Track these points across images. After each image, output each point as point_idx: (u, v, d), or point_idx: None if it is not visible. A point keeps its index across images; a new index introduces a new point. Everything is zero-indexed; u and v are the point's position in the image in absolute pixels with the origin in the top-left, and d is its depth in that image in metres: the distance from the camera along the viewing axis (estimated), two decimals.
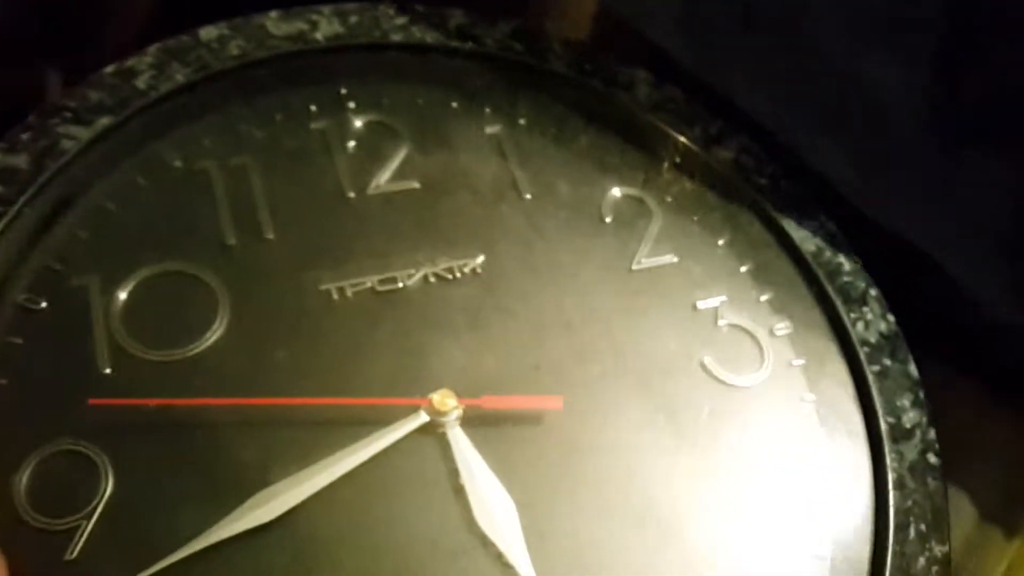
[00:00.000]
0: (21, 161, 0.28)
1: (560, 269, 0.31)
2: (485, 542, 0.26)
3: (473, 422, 0.27)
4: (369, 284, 0.29)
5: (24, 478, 0.24)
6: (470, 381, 0.28)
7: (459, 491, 0.26)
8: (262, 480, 0.25)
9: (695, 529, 0.27)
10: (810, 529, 0.28)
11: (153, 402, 0.26)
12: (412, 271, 0.30)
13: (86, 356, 0.26)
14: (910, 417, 0.31)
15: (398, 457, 0.26)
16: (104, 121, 0.29)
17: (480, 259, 0.31)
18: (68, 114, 0.29)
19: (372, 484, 0.26)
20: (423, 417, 0.27)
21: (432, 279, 0.30)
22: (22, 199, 0.27)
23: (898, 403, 0.31)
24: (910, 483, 0.29)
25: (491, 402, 0.28)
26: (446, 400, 0.27)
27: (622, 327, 0.31)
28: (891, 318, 0.32)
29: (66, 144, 0.29)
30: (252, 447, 0.26)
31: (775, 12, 0.32)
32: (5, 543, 0.23)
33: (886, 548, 0.28)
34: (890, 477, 0.29)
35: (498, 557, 0.26)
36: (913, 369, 0.32)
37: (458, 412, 0.27)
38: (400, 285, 0.29)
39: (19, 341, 0.26)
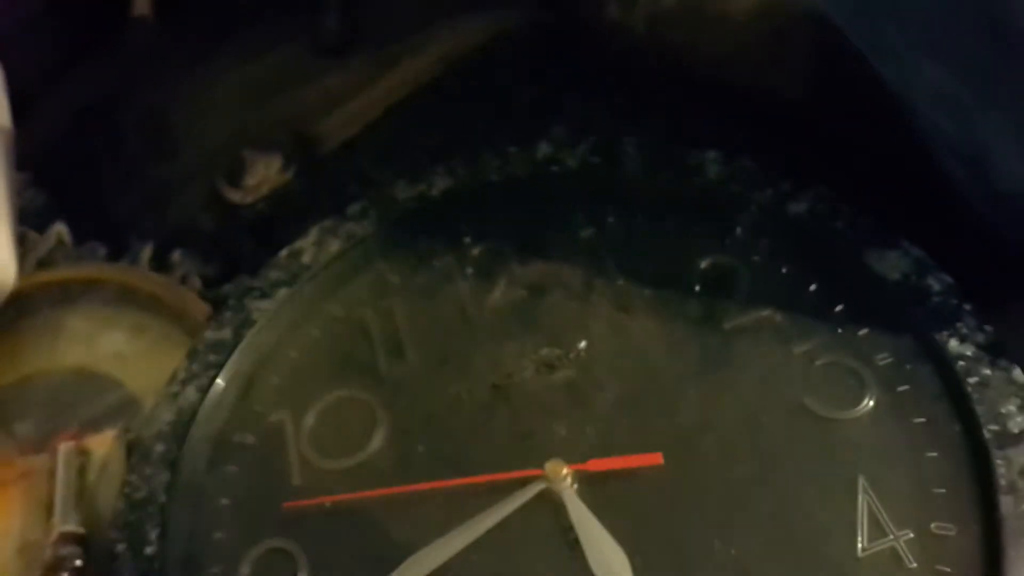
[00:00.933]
0: (226, 334, 0.38)
1: (652, 341, 0.36)
2: None
3: (583, 484, 0.32)
4: (489, 382, 0.36)
5: (246, 570, 0.33)
6: (577, 450, 0.33)
7: (574, 546, 0.31)
8: (412, 545, 0.31)
9: (813, 545, 0.30)
10: (925, 546, 0.30)
11: (330, 499, 0.33)
12: (524, 364, 0.36)
13: (283, 472, 0.35)
14: (1017, 422, 0.31)
15: (521, 520, 0.32)
16: (283, 292, 0.39)
17: (581, 345, 0.36)
18: (257, 292, 0.39)
19: (501, 544, 0.32)
20: (540, 484, 0.32)
21: (540, 369, 0.36)
22: (228, 363, 0.37)
23: (1002, 410, 0.32)
24: (1021, 485, 0.30)
25: (596, 464, 0.33)
26: (558, 468, 0.32)
27: (717, 381, 0.35)
28: (988, 328, 0.33)
29: (256, 316, 0.38)
30: (405, 523, 0.33)
31: None
32: None
33: (999, 548, 0.29)
34: (1000, 483, 0.30)
35: None
36: (1018, 375, 0.32)
37: (569, 477, 0.32)
38: (514, 378, 0.35)
39: (235, 469, 0.35)
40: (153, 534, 0.33)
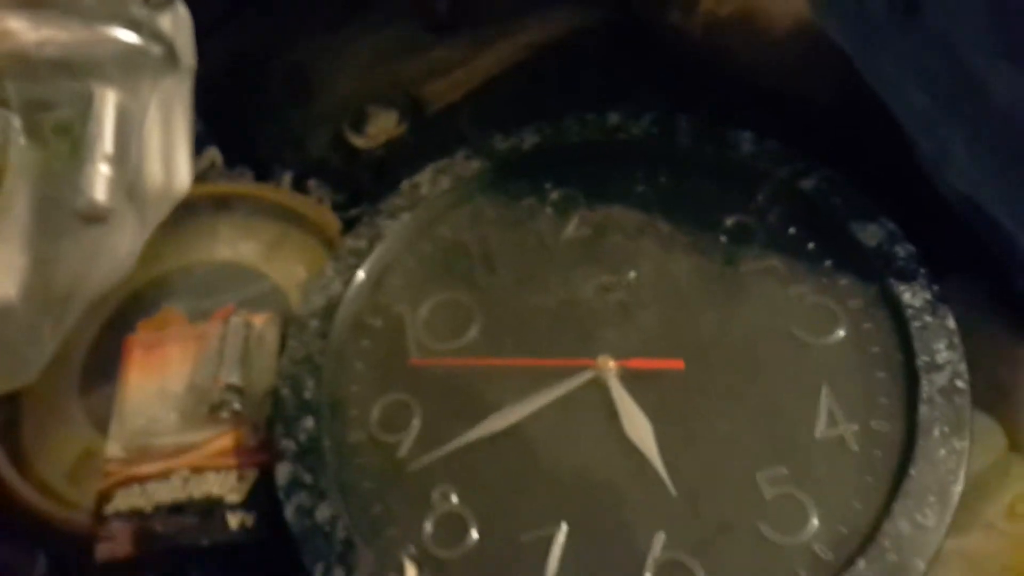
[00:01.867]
0: (362, 243, 0.49)
1: (685, 276, 0.47)
2: (632, 448, 0.41)
3: (624, 377, 0.44)
4: (560, 297, 0.47)
5: (375, 413, 0.45)
6: (622, 350, 0.44)
7: (612, 415, 0.42)
8: (496, 405, 0.43)
9: (785, 429, 0.41)
10: (865, 436, 0.41)
11: (441, 362, 0.45)
12: (587, 286, 0.47)
13: (403, 349, 0.47)
14: (943, 356, 0.41)
15: (576, 396, 0.43)
16: (405, 215, 0.50)
17: (631, 275, 0.47)
18: (385, 213, 0.50)
19: (560, 412, 0.43)
20: (592, 372, 0.44)
21: (599, 290, 0.47)
22: (364, 264, 0.48)
23: (934, 347, 0.42)
24: (938, 400, 0.40)
25: (635, 363, 0.44)
26: (606, 361, 0.44)
27: (731, 312, 0.45)
28: (935, 287, 0.43)
29: (385, 231, 0.50)
30: (491, 390, 0.44)
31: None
32: (364, 451, 0.43)
33: (914, 441, 0.40)
34: (923, 396, 0.41)
35: (640, 458, 0.41)
36: (951, 323, 0.42)
37: (614, 368, 0.44)
38: (579, 296, 0.47)
39: (368, 343, 0.47)
40: (310, 383, 0.44)
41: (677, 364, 0.44)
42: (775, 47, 0.54)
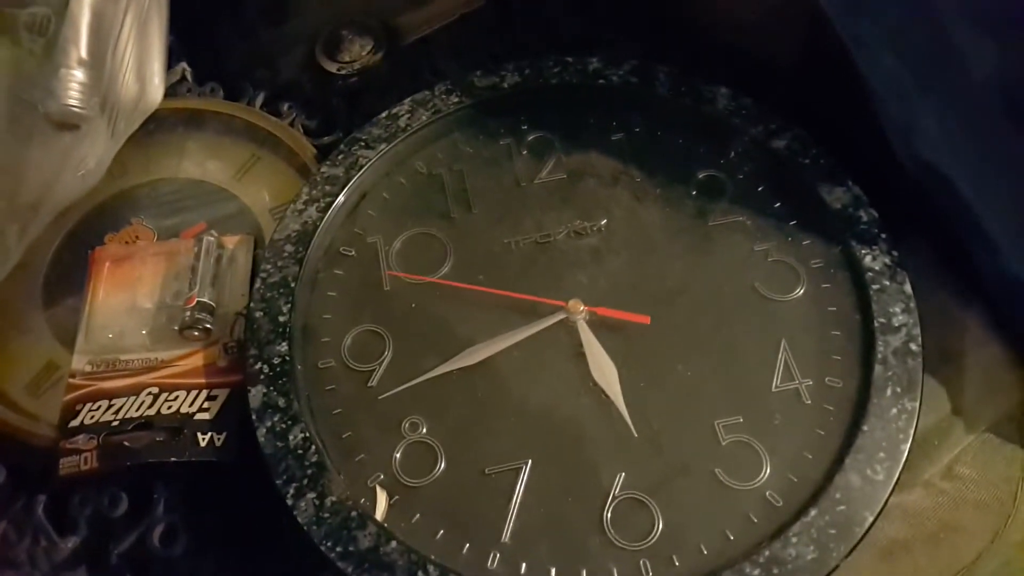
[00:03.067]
0: (339, 171, 0.49)
1: (656, 226, 0.48)
2: (596, 389, 0.43)
3: (592, 322, 0.45)
4: (533, 238, 0.47)
5: (347, 342, 0.45)
6: (592, 295, 0.45)
7: (580, 357, 0.44)
8: (468, 340, 0.44)
9: (743, 380, 0.43)
10: (819, 391, 0.43)
11: (421, 278, 0.46)
12: (560, 230, 0.48)
13: (376, 281, 0.47)
14: (899, 319, 0.43)
15: (545, 336, 0.44)
16: (383, 146, 0.50)
17: (603, 221, 0.48)
18: (362, 143, 0.50)
19: (530, 350, 0.44)
20: (562, 314, 0.45)
21: (572, 234, 0.47)
22: (341, 193, 0.48)
23: (891, 309, 0.44)
24: (892, 360, 0.42)
25: (603, 311, 0.45)
26: (577, 305, 0.45)
27: (698, 264, 0.46)
28: (895, 253, 0.45)
29: (362, 161, 0.49)
30: (465, 324, 0.45)
31: None
32: (336, 378, 0.44)
33: (868, 398, 0.42)
34: (877, 356, 0.43)
35: (605, 400, 0.43)
36: (907, 288, 0.44)
37: (584, 313, 0.45)
38: (552, 238, 0.47)
39: (341, 272, 0.47)
40: (285, 308, 0.45)
41: (643, 319, 0.45)
42: (745, 6, 0.54)
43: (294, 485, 0.40)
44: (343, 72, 0.58)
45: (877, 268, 0.45)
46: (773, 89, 0.51)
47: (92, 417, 0.43)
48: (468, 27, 0.60)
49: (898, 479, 0.40)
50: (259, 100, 0.57)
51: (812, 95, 0.52)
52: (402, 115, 0.51)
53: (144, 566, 0.44)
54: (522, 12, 0.61)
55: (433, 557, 0.39)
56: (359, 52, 0.58)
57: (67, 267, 0.50)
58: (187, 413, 0.43)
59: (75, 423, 0.43)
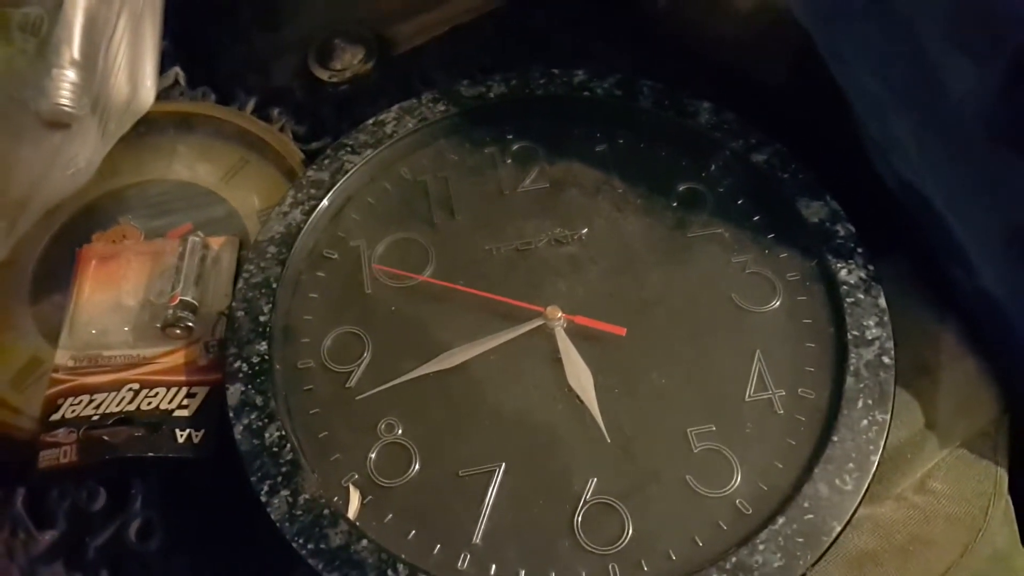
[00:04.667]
0: (325, 175, 0.50)
1: (636, 236, 0.48)
2: (572, 395, 0.44)
3: (569, 329, 0.45)
4: (514, 246, 0.48)
5: (327, 343, 0.46)
6: (570, 303, 0.46)
7: (556, 363, 0.44)
8: (446, 344, 0.45)
9: (717, 389, 0.44)
10: (792, 402, 0.43)
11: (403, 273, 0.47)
12: (541, 238, 0.48)
13: (358, 283, 0.48)
14: (873, 332, 0.44)
15: (523, 341, 0.45)
16: (368, 152, 0.51)
17: (584, 230, 0.49)
18: (348, 148, 0.51)
19: (508, 355, 0.45)
20: (540, 320, 0.45)
21: (552, 243, 0.48)
22: (326, 197, 0.49)
23: (864, 323, 0.44)
24: (864, 373, 0.43)
25: (580, 320, 0.45)
26: (555, 311, 0.45)
27: (676, 275, 0.47)
28: (870, 267, 0.46)
29: (348, 166, 0.50)
30: (446, 326, 0.45)
31: None
32: (314, 378, 0.44)
33: (839, 410, 0.43)
34: (850, 368, 0.43)
35: (580, 406, 0.43)
36: (882, 302, 0.45)
37: (562, 321, 0.45)
38: (532, 246, 0.48)
39: (323, 274, 0.48)
40: (266, 308, 0.45)
41: (619, 330, 0.45)
42: (736, 23, 0.55)
43: (268, 482, 0.41)
44: (334, 80, 0.59)
45: (852, 282, 0.46)
46: (759, 104, 0.52)
47: (73, 411, 0.44)
48: (459, 39, 0.61)
49: (867, 490, 0.41)
50: (250, 105, 0.58)
51: (797, 111, 0.52)
52: (389, 122, 0.52)
53: (120, 561, 0.44)
54: (513, 25, 0.61)
55: (404, 556, 0.39)
56: (350, 60, 0.59)
57: (54, 264, 0.51)
58: (166, 410, 0.44)
59: (56, 417, 0.44)
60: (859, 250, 0.47)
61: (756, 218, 0.49)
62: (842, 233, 0.47)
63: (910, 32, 0.42)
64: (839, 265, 0.46)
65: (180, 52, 0.60)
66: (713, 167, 0.51)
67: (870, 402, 0.43)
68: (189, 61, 0.60)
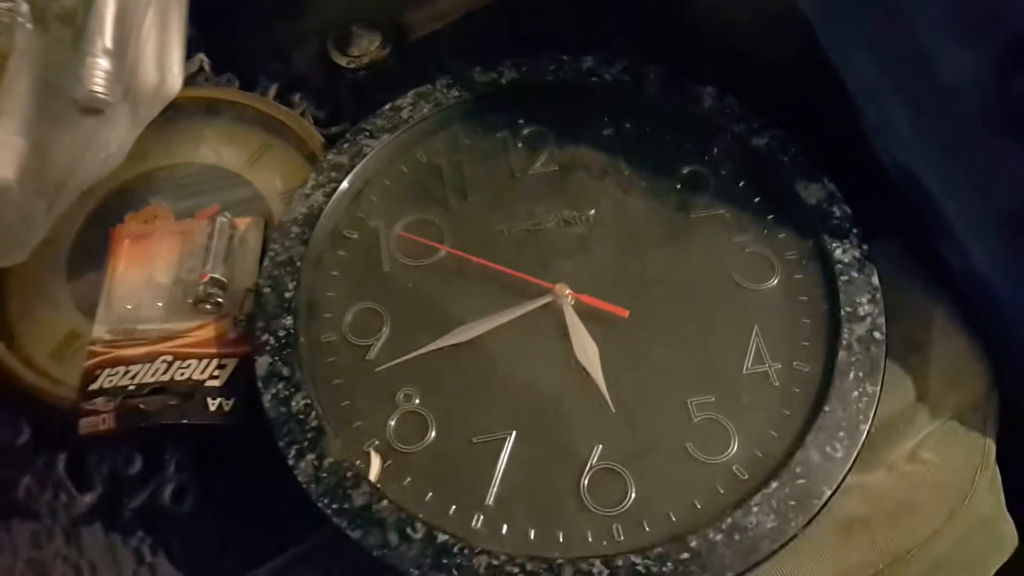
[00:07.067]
0: (344, 159, 0.52)
1: (641, 217, 0.51)
2: (578, 367, 0.46)
3: (577, 306, 0.47)
4: (524, 226, 0.50)
5: (348, 318, 0.48)
6: (578, 281, 0.48)
7: (564, 338, 0.47)
8: (460, 320, 0.47)
9: (716, 362, 0.46)
10: (787, 374, 0.46)
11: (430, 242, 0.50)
12: (550, 218, 0.51)
13: (377, 262, 0.50)
14: (865, 309, 0.46)
15: (532, 317, 0.47)
16: (386, 136, 0.53)
17: (591, 212, 0.51)
18: (367, 133, 0.53)
19: (518, 330, 0.47)
20: (549, 297, 0.48)
21: (561, 223, 0.50)
22: (346, 180, 0.51)
23: (857, 300, 0.46)
24: (856, 347, 0.45)
25: (587, 299, 0.47)
26: (563, 289, 0.48)
27: (679, 254, 0.49)
28: (864, 247, 0.48)
29: (366, 150, 0.53)
30: (460, 302, 0.48)
31: None
32: (336, 351, 0.47)
33: (831, 382, 0.45)
34: (842, 343, 0.46)
35: (586, 377, 0.45)
36: (875, 280, 0.47)
37: (569, 298, 0.47)
38: (542, 227, 0.50)
39: (344, 253, 0.50)
40: (291, 285, 0.48)
41: (623, 312, 0.47)
42: (744, 12, 0.57)
43: (295, 447, 0.43)
44: (352, 66, 0.61)
45: (847, 260, 0.48)
46: (763, 89, 0.53)
47: (110, 382, 0.46)
48: (473, 25, 0.63)
49: (856, 457, 0.43)
50: (272, 91, 0.60)
51: (800, 95, 0.54)
52: (405, 107, 0.54)
53: (155, 521, 0.47)
54: (524, 12, 0.63)
55: (421, 516, 0.42)
56: (368, 47, 0.61)
57: (90, 243, 0.54)
58: (198, 380, 0.46)
59: (94, 387, 0.46)
60: (854, 230, 0.49)
61: (756, 200, 0.51)
62: (838, 214, 0.49)
63: (904, 20, 0.44)
64: (835, 245, 0.48)
65: (205, 40, 0.62)
66: (716, 150, 0.53)
67: (861, 375, 0.45)
68: (214, 48, 0.62)
